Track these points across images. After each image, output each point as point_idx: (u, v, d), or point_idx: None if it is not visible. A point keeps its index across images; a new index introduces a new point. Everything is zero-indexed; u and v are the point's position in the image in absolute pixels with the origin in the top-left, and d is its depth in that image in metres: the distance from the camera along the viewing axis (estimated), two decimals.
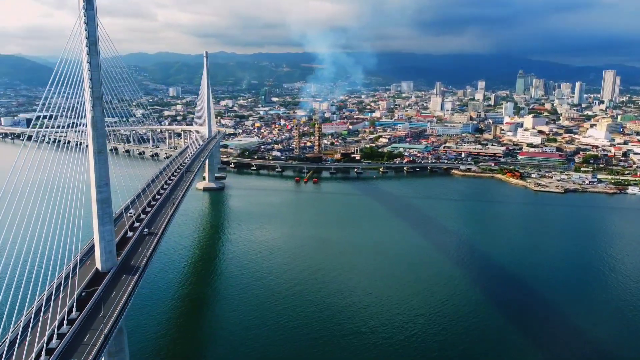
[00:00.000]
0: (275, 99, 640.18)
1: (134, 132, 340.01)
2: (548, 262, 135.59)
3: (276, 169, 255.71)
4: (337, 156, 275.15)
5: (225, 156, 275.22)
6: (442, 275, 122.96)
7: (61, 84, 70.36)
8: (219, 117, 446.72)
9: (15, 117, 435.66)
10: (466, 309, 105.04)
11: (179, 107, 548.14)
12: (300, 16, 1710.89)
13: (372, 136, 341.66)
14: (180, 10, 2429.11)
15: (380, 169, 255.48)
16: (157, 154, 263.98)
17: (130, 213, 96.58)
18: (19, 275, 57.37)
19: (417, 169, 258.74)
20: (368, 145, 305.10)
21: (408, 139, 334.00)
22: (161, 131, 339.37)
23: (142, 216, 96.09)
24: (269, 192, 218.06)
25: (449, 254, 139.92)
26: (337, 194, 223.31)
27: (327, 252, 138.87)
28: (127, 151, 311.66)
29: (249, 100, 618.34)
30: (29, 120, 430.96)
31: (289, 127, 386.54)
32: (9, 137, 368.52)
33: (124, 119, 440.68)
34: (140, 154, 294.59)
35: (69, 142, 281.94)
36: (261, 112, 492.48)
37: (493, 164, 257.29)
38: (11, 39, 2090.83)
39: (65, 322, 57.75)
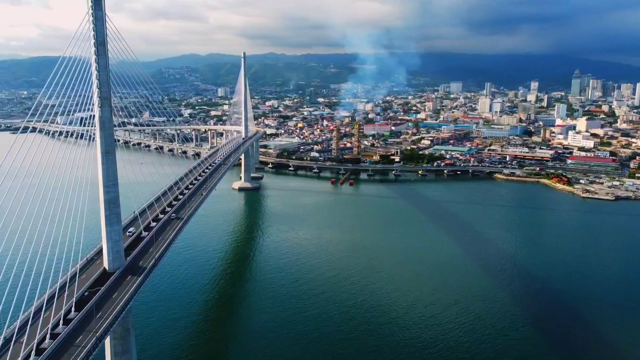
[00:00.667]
0: (320, 100, 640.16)
1: (179, 131, 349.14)
2: (594, 277, 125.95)
3: (313, 170, 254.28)
4: (376, 158, 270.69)
5: (264, 156, 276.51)
6: (478, 286, 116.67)
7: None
8: (262, 117, 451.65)
9: (70, 116, 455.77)
10: (502, 325, 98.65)
11: (225, 107, 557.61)
12: (347, 17, 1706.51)
13: (414, 138, 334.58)
14: (231, 13, 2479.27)
15: (419, 172, 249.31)
16: (198, 154, 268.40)
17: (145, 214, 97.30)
18: (27, 272, 58.64)
19: (458, 172, 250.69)
20: (409, 147, 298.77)
21: (451, 141, 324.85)
22: (205, 131, 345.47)
23: (161, 216, 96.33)
24: (304, 193, 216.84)
25: (487, 264, 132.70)
26: (373, 197, 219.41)
27: (359, 258, 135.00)
28: (171, 150, 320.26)
29: (295, 100, 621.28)
30: (82, 120, 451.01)
31: (331, 127, 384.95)
32: (73, 137, 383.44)
33: (172, 119, 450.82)
34: (183, 152, 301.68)
35: (117, 140, 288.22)
36: (305, 113, 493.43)
37: (538, 168, 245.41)
38: (73, 42, 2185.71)
39: (61, 322, 57.62)
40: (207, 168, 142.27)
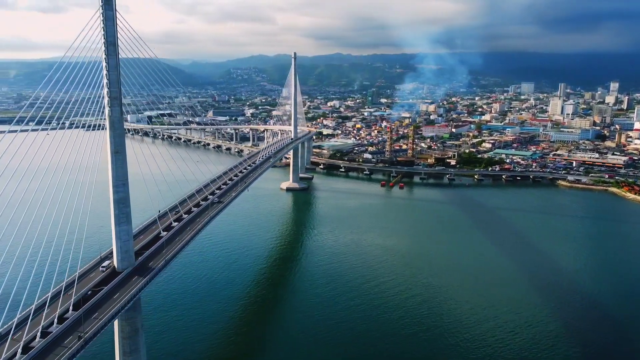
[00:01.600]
0: (383, 100, 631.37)
1: (236, 130, 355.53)
2: None
3: (364, 172, 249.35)
4: (431, 161, 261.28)
5: (316, 157, 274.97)
6: (530, 307, 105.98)
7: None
8: (321, 118, 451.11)
9: (140, 115, 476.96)
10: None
11: (287, 107, 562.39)
12: (414, 16, 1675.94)
13: (474, 140, 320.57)
14: (298, 14, 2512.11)
15: (475, 176, 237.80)
16: (241, 151, 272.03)
17: (177, 211, 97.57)
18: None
19: (518, 178, 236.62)
20: (467, 150, 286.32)
21: (515, 145, 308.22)
22: (263, 130, 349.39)
23: (184, 216, 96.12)
24: (352, 195, 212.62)
25: (543, 281, 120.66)
26: (423, 201, 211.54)
27: (404, 265, 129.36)
28: (228, 149, 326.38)
29: (357, 101, 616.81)
30: (150, 118, 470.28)
31: (389, 128, 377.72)
32: (139, 134, 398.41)
33: (234, 118, 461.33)
34: (239, 151, 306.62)
35: (179, 138, 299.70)
36: (365, 114, 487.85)
37: (607, 176, 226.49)
38: (151, 44, 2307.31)
39: (55, 321, 57.67)
40: (244, 169, 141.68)
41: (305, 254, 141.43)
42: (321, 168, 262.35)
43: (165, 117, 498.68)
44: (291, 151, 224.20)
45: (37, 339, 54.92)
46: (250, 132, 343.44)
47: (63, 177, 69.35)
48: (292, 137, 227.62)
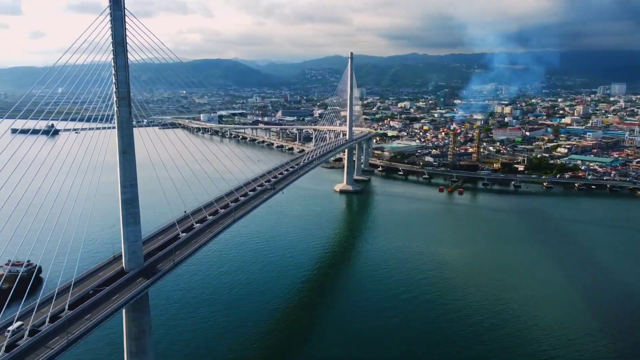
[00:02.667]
0: (457, 102, 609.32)
1: (300, 131, 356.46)
2: None
3: (423, 176, 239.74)
4: (497, 166, 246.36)
5: (374, 159, 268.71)
6: (596, 339, 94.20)
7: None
8: (388, 119, 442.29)
9: (212, 114, 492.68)
10: None
11: (357, 107, 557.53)
12: (495, 14, 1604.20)
13: (549, 145, 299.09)
14: (374, 14, 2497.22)
15: (544, 184, 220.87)
16: (302, 150, 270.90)
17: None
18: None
19: (593, 187, 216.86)
20: (539, 156, 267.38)
21: (594, 150, 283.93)
22: (326, 131, 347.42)
23: (209, 217, 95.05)
24: (407, 200, 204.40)
25: (612, 309, 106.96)
26: (483, 209, 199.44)
27: (453, 276, 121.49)
28: (291, 149, 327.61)
29: (430, 102, 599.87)
30: (220, 117, 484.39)
31: (459, 130, 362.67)
32: (209, 133, 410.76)
33: (301, 118, 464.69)
34: (301, 151, 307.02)
35: (245, 137, 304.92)
36: (436, 115, 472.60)
37: None
38: (231, 46, 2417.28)
39: (47, 320, 57.73)
40: (285, 170, 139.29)
41: (352, 260, 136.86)
42: (379, 170, 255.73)
43: (236, 117, 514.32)
44: (346, 153, 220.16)
45: (25, 337, 55.07)
46: (313, 132, 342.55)
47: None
48: (347, 138, 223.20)
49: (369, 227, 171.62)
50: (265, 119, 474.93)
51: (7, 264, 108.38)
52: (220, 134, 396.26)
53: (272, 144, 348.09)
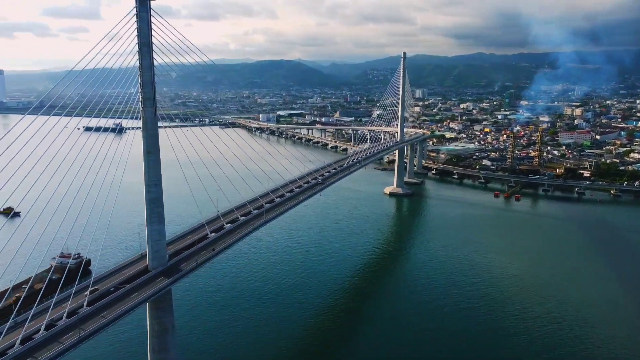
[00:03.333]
0: (524, 103, 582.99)
1: (354, 131, 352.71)
2: None
3: (479, 180, 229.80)
4: (560, 171, 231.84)
5: (429, 161, 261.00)
6: None
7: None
8: (447, 120, 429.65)
9: (270, 114, 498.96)
10: None
11: (416, 108, 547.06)
12: (568, 10, 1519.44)
13: (620, 150, 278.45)
14: (438, 13, 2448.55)
15: (612, 191, 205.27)
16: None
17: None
18: None
19: None
20: (608, 161, 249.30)
21: None
22: (383, 132, 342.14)
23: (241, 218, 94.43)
24: (460, 205, 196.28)
25: None
26: (541, 216, 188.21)
27: (499, 288, 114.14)
28: (345, 149, 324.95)
29: (494, 103, 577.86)
30: (278, 117, 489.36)
31: (522, 133, 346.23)
32: (266, 133, 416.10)
33: (359, 119, 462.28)
34: (344, 150, 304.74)
35: (300, 138, 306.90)
36: (499, 116, 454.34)
37: None
38: (294, 46, 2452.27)
39: (65, 315, 58.67)
40: (326, 172, 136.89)
41: (396, 266, 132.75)
42: (433, 173, 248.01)
43: (294, 117, 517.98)
44: (396, 154, 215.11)
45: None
46: (368, 133, 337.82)
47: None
48: (398, 139, 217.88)
49: (416, 232, 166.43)
50: (323, 119, 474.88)
51: (58, 256, 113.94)
52: (277, 134, 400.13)
53: (327, 144, 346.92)
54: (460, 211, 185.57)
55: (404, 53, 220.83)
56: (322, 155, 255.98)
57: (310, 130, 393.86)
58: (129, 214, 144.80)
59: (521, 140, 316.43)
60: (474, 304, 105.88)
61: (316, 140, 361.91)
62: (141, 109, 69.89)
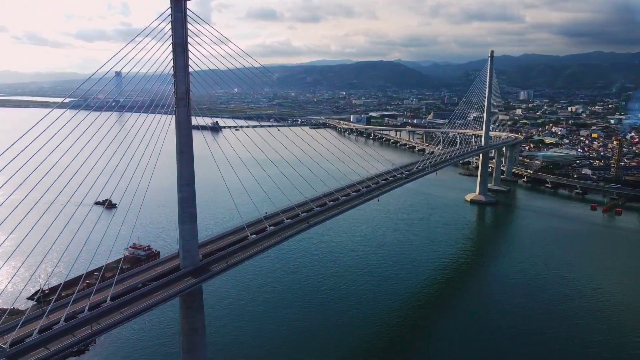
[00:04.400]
0: None
1: (444, 134, 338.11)
2: None
3: (575, 190, 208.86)
4: None
5: (519, 168, 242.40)
6: None
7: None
8: (550, 124, 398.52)
9: (362, 115, 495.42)
10: None
11: (518, 111, 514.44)
12: None
13: None
14: (551, 9, 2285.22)
15: None
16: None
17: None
18: None
19: None
20: None
21: None
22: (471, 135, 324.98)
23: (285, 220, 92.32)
24: (549, 217, 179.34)
25: None
26: None
27: (585, 316, 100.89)
28: (431, 152, 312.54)
29: (609, 106, 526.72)
30: (369, 119, 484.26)
31: (636, 140, 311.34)
32: (354, 134, 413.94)
33: (453, 121, 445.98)
34: (431, 153, 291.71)
35: (388, 140, 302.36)
36: (612, 121, 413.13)
37: None
38: (395, 47, 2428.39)
39: (87, 308, 60.10)
40: (391, 176, 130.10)
41: (468, 281, 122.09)
42: (524, 181, 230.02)
43: (386, 119, 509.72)
44: (480, 160, 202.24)
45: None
46: (457, 135, 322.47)
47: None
48: (483, 143, 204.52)
49: (493, 245, 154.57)
50: (415, 121, 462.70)
51: (130, 247, 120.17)
52: (364, 135, 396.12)
53: (414, 147, 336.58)
54: (549, 224, 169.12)
55: (492, 52, 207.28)
56: (404, 158, 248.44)
57: (398, 132, 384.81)
58: (217, 212, 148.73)
59: (634, 148, 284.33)
60: (546, 327, 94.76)
61: (404, 142, 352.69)
62: (175, 108, 69.64)
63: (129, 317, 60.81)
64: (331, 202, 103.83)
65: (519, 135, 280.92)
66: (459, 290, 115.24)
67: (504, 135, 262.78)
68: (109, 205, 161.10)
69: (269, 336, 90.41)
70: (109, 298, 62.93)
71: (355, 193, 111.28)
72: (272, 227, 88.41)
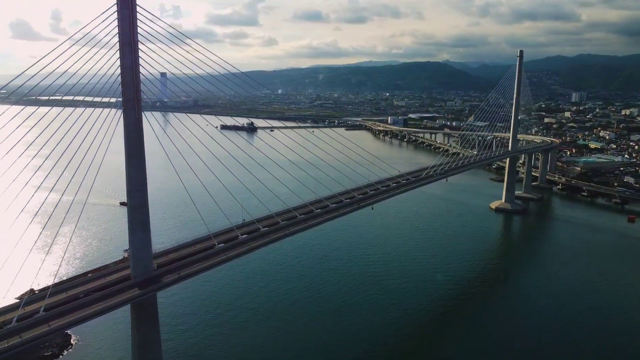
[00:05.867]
0: None
1: (481, 137, 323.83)
2: None
3: (614, 200, 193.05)
4: None
5: (552, 174, 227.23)
6: None
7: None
8: (598, 128, 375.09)
9: (400, 117, 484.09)
10: None
11: (567, 113, 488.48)
12: None
13: None
14: (609, 7, 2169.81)
15: None
16: None
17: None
18: None
19: None
20: None
21: None
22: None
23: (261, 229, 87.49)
24: (580, 228, 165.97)
25: None
26: None
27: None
28: (456, 153, 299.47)
29: None
30: (405, 120, 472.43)
31: None
32: (388, 136, 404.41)
33: (494, 124, 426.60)
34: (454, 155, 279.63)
35: (422, 142, 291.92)
36: None
37: None
38: (444, 48, 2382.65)
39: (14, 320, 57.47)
40: (386, 185, 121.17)
41: (481, 299, 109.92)
42: (559, 189, 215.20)
43: (424, 120, 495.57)
44: (507, 165, 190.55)
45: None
46: (494, 139, 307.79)
47: None
48: (509, 148, 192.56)
49: (514, 258, 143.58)
50: (454, 123, 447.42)
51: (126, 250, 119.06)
52: (399, 138, 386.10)
53: (448, 150, 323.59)
54: (579, 236, 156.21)
55: (521, 52, 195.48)
56: (432, 161, 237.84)
57: (432, 135, 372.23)
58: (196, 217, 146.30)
59: None
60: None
61: (438, 145, 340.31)
62: (123, 111, 65.89)
63: (56, 329, 57.68)
64: (319, 210, 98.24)
65: (555, 140, 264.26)
66: (470, 310, 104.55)
67: (537, 139, 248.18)
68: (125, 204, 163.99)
69: (237, 352, 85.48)
70: (42, 309, 60.09)
71: (348, 200, 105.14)
72: (244, 236, 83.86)
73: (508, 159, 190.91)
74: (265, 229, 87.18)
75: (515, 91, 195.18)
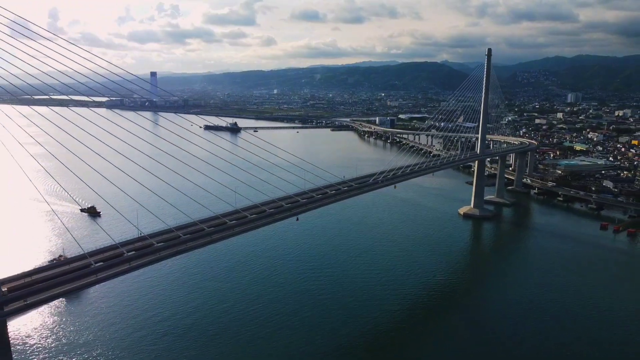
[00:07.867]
0: None
1: (465, 139, 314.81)
2: None
3: (589, 205, 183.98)
4: None
5: (533, 178, 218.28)
6: None
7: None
8: (587, 130, 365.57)
9: (387, 118, 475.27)
10: None
11: (558, 115, 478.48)
12: None
13: None
14: (607, 8, 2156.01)
15: None
16: None
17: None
18: None
19: None
20: None
21: None
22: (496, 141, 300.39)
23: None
24: (549, 236, 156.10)
25: None
26: None
27: None
28: (437, 156, 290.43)
29: None
30: (392, 121, 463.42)
31: None
32: (372, 137, 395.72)
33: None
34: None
35: (406, 144, 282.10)
36: None
37: None
38: (443, 49, 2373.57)
39: None
40: (322, 193, 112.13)
41: (437, 319, 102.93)
42: (535, 193, 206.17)
43: (414, 121, 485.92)
44: (476, 168, 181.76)
45: None
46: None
47: None
48: (477, 151, 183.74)
49: (476, 268, 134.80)
50: (442, 124, 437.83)
51: (56, 258, 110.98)
52: (383, 139, 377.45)
53: (430, 152, 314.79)
54: (547, 244, 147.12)
55: (489, 50, 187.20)
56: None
57: (415, 137, 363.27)
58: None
59: None
60: None
61: (420, 147, 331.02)
62: None
63: None
64: (234, 221, 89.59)
65: (532, 141, 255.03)
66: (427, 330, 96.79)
67: (516, 141, 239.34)
68: (93, 212, 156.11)
69: None
70: None
71: (272, 210, 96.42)
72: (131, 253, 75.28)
73: (476, 162, 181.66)
74: (160, 244, 78.72)
75: (483, 91, 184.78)
